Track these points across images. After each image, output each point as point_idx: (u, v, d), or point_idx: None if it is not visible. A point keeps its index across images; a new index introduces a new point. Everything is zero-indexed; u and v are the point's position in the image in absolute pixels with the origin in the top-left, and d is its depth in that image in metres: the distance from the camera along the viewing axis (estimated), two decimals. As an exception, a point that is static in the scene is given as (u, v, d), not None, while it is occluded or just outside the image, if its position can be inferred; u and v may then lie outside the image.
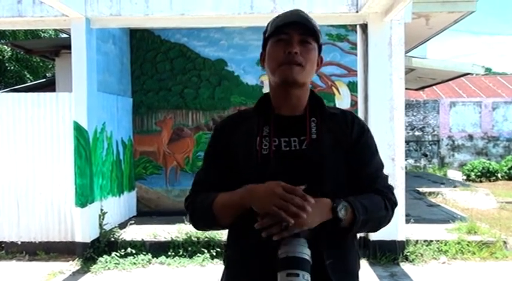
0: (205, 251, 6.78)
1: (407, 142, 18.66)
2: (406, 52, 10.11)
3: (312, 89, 1.92)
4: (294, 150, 1.79)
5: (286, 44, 1.78)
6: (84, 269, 6.49)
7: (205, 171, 1.93)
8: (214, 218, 1.76)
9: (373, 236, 6.63)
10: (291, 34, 1.78)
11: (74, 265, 6.65)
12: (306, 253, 1.53)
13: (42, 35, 20.38)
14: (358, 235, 5.72)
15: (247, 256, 1.76)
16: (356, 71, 7.03)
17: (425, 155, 20.61)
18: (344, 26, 8.63)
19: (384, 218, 1.81)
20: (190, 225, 1.93)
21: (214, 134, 1.95)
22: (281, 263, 1.53)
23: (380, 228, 1.85)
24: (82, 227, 6.83)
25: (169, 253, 6.86)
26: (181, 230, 7.04)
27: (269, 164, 1.75)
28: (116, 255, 6.74)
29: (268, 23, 1.89)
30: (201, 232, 6.91)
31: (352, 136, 1.85)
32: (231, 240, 1.89)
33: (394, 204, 1.85)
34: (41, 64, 21.33)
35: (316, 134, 1.79)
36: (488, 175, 16.67)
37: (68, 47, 7.61)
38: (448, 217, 8.40)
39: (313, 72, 1.85)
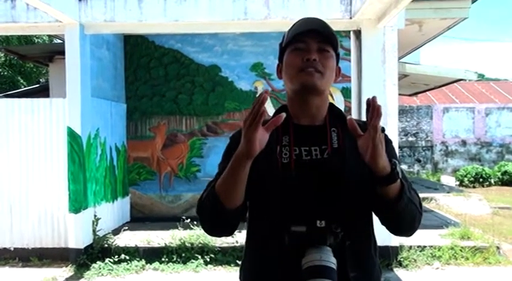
0: (199, 257, 6.77)
1: (400, 148, 18.73)
2: (400, 58, 10.15)
3: (331, 102, 1.87)
4: (315, 159, 1.75)
5: (304, 51, 1.73)
6: (78, 276, 6.46)
7: (217, 177, 1.79)
8: (220, 200, 1.65)
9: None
10: (309, 42, 1.73)
11: (67, 271, 6.62)
12: (332, 262, 1.50)
13: (36, 40, 20.34)
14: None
15: (268, 267, 1.72)
16: (349, 76, 7.05)
17: (419, 161, 20.66)
18: (338, 32, 8.62)
19: (417, 215, 1.74)
20: (207, 234, 1.84)
21: (231, 143, 1.86)
22: (307, 272, 1.50)
23: (413, 225, 1.75)
24: (75, 233, 6.80)
25: (163, 259, 6.84)
26: (175, 236, 7.03)
27: (290, 173, 1.71)
28: (109, 261, 6.71)
29: (284, 34, 1.83)
30: (195, 237, 6.91)
31: None
32: (249, 251, 1.85)
33: (421, 214, 1.77)
34: (35, 70, 21.29)
35: (338, 143, 1.77)
36: (481, 181, 16.73)
37: (61, 52, 7.61)
38: (441, 223, 8.42)
39: (332, 81, 1.79)
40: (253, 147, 1.54)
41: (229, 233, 1.78)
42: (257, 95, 1.49)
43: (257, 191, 1.72)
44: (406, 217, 1.70)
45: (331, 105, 1.86)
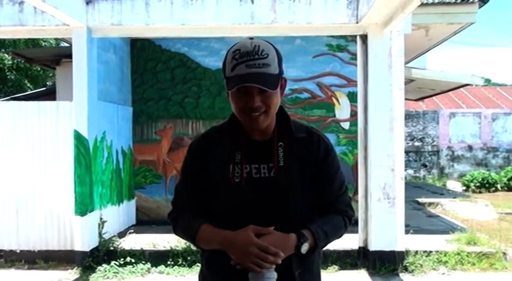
0: (205, 260, 6.76)
1: (406, 153, 18.66)
2: (406, 63, 10.15)
3: (281, 106, 1.97)
4: (263, 177, 1.91)
5: (247, 96, 1.82)
6: (83, 278, 6.48)
7: (183, 188, 2.05)
8: (197, 245, 1.96)
9: (373, 246, 6.63)
10: (249, 89, 1.80)
11: (72, 274, 6.64)
12: (273, 277, 1.76)
13: (43, 44, 20.42)
14: (358, 246, 5.71)
15: (220, 273, 1.95)
16: (356, 81, 7.05)
17: (425, 166, 20.62)
18: (344, 37, 8.66)
19: (341, 234, 2.03)
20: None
21: (190, 153, 2.05)
22: None
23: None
24: (81, 235, 6.82)
25: (169, 262, 6.85)
26: (181, 239, 7.01)
27: (241, 192, 1.89)
28: (115, 264, 6.72)
29: (226, 56, 1.90)
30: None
31: (318, 158, 1.97)
32: (204, 260, 2.08)
33: (352, 217, 2.06)
34: (41, 73, 21.36)
35: (284, 161, 1.91)
36: (487, 186, 16.69)
37: (68, 56, 7.65)
38: (447, 228, 8.39)
39: (277, 107, 1.90)
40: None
41: None
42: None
43: (214, 204, 1.94)
44: (327, 244, 1.99)
45: (280, 112, 1.97)
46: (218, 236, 1.86)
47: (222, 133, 2.01)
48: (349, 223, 2.04)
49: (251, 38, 1.92)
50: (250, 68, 1.79)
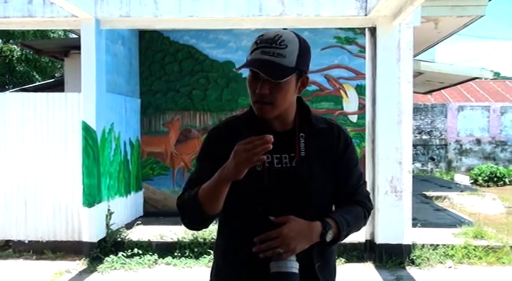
0: (212, 252, 6.79)
1: (414, 146, 18.60)
2: (415, 56, 10.10)
3: (300, 97, 1.97)
4: (285, 167, 1.91)
5: (257, 82, 1.83)
6: (91, 269, 6.52)
7: (198, 174, 1.96)
8: (200, 205, 1.82)
9: (380, 239, 6.63)
10: (258, 74, 1.80)
11: (80, 265, 6.68)
12: (295, 267, 1.73)
13: (52, 35, 20.47)
14: (364, 239, 5.72)
15: (237, 267, 1.93)
16: (364, 74, 7.03)
17: (433, 159, 20.55)
18: (352, 29, 8.63)
19: (361, 226, 2.03)
20: (186, 227, 2.00)
21: (209, 140, 2.01)
22: (273, 277, 1.72)
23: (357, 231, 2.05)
24: (89, 227, 6.86)
25: (176, 254, 6.87)
26: (188, 231, 7.05)
27: (263, 181, 1.87)
28: (122, 255, 6.76)
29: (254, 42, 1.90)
30: (207, 233, 6.93)
31: (338, 150, 1.98)
32: (219, 251, 2.05)
33: (371, 210, 2.07)
34: (50, 64, 21.42)
35: (305, 151, 1.91)
36: (495, 180, 16.61)
37: (77, 47, 7.66)
38: (454, 222, 8.38)
39: (287, 101, 1.88)
40: (242, 174, 1.69)
41: (206, 227, 1.94)
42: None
43: (232, 194, 1.83)
44: (348, 235, 1.97)
45: (300, 104, 1.98)
46: (216, 173, 1.77)
47: (243, 122, 1.99)
48: (368, 215, 2.04)
49: (284, 29, 1.91)
50: (263, 54, 1.80)
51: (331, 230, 1.82)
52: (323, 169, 1.93)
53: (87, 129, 6.84)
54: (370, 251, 6.79)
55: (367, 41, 6.95)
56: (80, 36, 7.17)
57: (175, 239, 7.03)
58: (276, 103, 1.83)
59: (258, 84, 1.81)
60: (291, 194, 1.88)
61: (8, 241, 7.32)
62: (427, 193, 12.54)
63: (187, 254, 6.85)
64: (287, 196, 1.87)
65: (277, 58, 1.78)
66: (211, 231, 6.96)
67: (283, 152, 1.91)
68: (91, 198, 6.85)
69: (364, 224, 2.04)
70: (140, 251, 6.83)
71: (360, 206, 2.01)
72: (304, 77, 1.89)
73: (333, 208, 2.02)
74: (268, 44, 1.81)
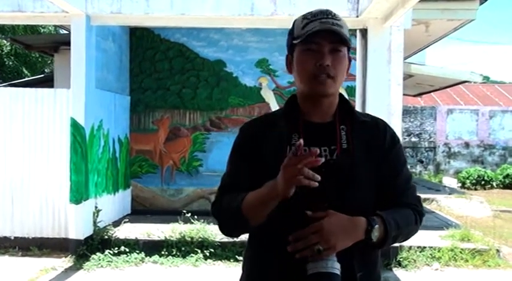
0: (199, 251, 6.78)
1: (403, 148, 18.65)
2: (405, 58, 10.13)
3: (341, 93, 1.87)
4: (324, 160, 1.68)
5: (317, 54, 1.70)
6: (77, 266, 6.48)
7: (232, 175, 1.85)
8: (245, 218, 1.69)
9: (367, 241, 6.63)
10: (322, 44, 1.69)
11: (66, 262, 6.64)
12: (337, 268, 1.52)
13: (42, 30, 20.35)
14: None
15: (268, 270, 1.75)
16: (354, 75, 7.03)
17: (421, 162, 20.63)
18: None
19: (413, 232, 1.81)
20: (224, 235, 1.88)
21: (241, 137, 1.88)
22: (312, 279, 1.52)
23: (407, 240, 1.85)
24: (76, 224, 6.81)
25: (163, 252, 6.85)
26: (175, 229, 7.04)
27: None
28: (109, 253, 6.72)
29: (295, 23, 1.78)
30: (195, 232, 6.92)
31: (384, 146, 1.81)
32: (251, 252, 1.87)
33: (423, 215, 1.83)
34: (39, 60, 21.31)
35: (347, 143, 1.75)
36: (483, 183, 16.70)
37: (67, 43, 7.61)
38: (442, 224, 8.40)
39: (343, 78, 1.78)
40: (291, 192, 1.54)
41: (248, 233, 1.84)
42: (295, 146, 1.53)
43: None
44: (398, 241, 1.77)
45: (341, 97, 1.86)
46: (264, 187, 1.63)
47: (278, 116, 1.85)
48: (420, 220, 1.81)
49: None
50: (324, 24, 1.68)
51: (378, 227, 1.62)
52: (367, 164, 1.75)
53: (75, 126, 6.80)
54: (357, 253, 6.79)
55: (357, 42, 6.95)
56: (70, 32, 7.13)
57: (163, 238, 7.01)
58: (337, 77, 1.73)
59: (318, 56, 1.69)
60: (330, 190, 1.65)
61: (-7, 237, 7.27)
62: (415, 195, 12.56)
63: (174, 252, 6.83)
64: (327, 192, 1.65)
65: (339, 28, 1.69)
66: (198, 230, 6.96)
67: (323, 144, 1.74)
68: (78, 195, 6.80)
69: (416, 231, 1.82)
70: (127, 249, 6.80)
71: (410, 209, 1.79)
72: (349, 55, 1.78)
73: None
74: (324, 15, 1.72)
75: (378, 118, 1.90)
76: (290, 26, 1.82)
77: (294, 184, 1.52)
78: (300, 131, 1.75)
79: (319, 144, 1.71)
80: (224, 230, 1.84)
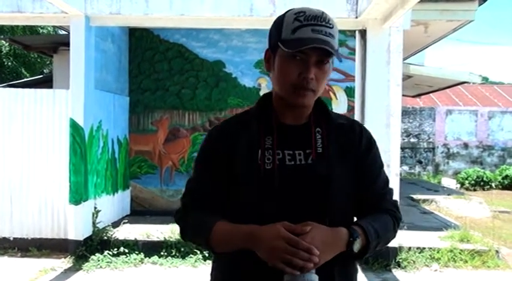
0: (198, 252, 6.77)
1: (402, 149, 18.69)
2: (404, 59, 10.14)
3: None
4: (299, 164, 1.67)
5: (302, 64, 1.60)
6: (76, 267, 6.47)
7: (198, 181, 1.78)
8: (211, 247, 1.66)
9: (366, 241, 6.63)
10: (309, 54, 1.59)
11: (65, 263, 6.63)
12: (315, 280, 1.47)
13: (41, 31, 20.34)
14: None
15: (244, 277, 1.67)
16: (354, 76, 7.04)
17: (420, 162, 20.64)
18: (343, 31, 8.63)
19: (391, 238, 1.77)
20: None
21: (209, 140, 1.78)
22: None
23: (384, 246, 1.79)
24: (75, 224, 6.81)
25: (162, 253, 6.84)
26: (175, 230, 7.02)
27: (273, 181, 1.62)
28: (108, 254, 6.72)
29: (285, 19, 1.66)
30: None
31: (360, 149, 1.75)
32: (221, 261, 1.79)
33: (400, 220, 1.79)
34: (39, 60, 21.29)
35: (322, 147, 1.68)
36: (482, 184, 16.71)
37: (66, 44, 7.62)
38: (441, 225, 8.41)
39: (324, 87, 1.70)
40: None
41: None
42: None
43: (237, 197, 1.67)
44: (377, 249, 1.71)
45: (317, 99, 1.73)
46: (239, 233, 1.57)
47: (249, 118, 1.75)
48: (397, 226, 1.77)
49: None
50: (316, 33, 1.57)
51: (359, 238, 1.57)
52: (344, 169, 1.69)
53: (74, 127, 6.80)
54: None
55: (357, 43, 6.95)
56: (69, 32, 7.13)
57: (162, 239, 7.00)
58: (319, 90, 1.65)
59: (304, 67, 1.59)
60: (307, 197, 1.63)
61: (-8, 238, 7.26)
62: (414, 196, 12.59)
63: (173, 253, 6.83)
64: (302, 198, 1.63)
65: (330, 38, 1.59)
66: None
67: (297, 148, 1.68)
68: (77, 196, 6.80)
69: (394, 236, 1.77)
70: (126, 250, 6.80)
71: (388, 214, 1.74)
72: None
73: (354, 218, 1.77)
74: (318, 21, 1.59)
75: (354, 120, 1.85)
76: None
77: (279, 265, 1.45)
78: (273, 134, 1.68)
79: (294, 147, 1.69)
80: (183, 239, 1.82)
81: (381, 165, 1.82)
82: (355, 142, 1.75)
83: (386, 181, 1.81)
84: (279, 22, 1.67)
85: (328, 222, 1.58)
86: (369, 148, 1.77)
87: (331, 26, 1.60)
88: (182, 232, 1.79)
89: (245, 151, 1.68)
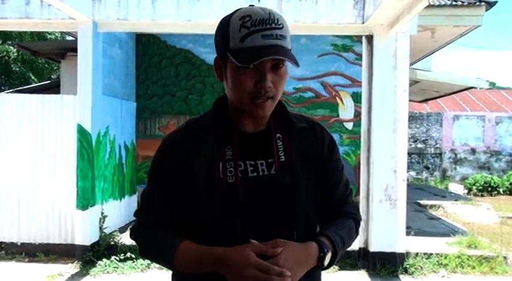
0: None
1: (409, 154, 18.64)
2: (411, 64, 10.13)
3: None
4: (262, 175, 1.59)
5: (257, 73, 1.50)
6: (83, 272, 6.48)
7: (153, 196, 1.66)
8: (174, 268, 1.61)
9: (373, 247, 6.62)
10: (263, 62, 1.48)
11: (73, 268, 6.64)
12: None
13: (48, 37, 20.45)
14: (358, 246, 5.68)
15: None
16: (360, 81, 7.04)
17: (427, 168, 20.59)
18: (349, 37, 8.65)
19: (352, 242, 1.74)
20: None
21: (164, 150, 1.65)
22: None
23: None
24: (82, 230, 6.82)
25: (169, 259, 6.83)
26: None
27: (237, 195, 1.54)
28: (115, 259, 6.72)
29: (230, 25, 1.53)
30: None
31: (323, 152, 1.69)
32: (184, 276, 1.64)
33: (360, 221, 1.78)
34: (46, 66, 21.40)
35: (285, 155, 1.60)
36: (489, 190, 16.62)
37: (74, 49, 7.65)
38: (448, 231, 8.38)
39: (282, 90, 1.61)
40: None
41: None
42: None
43: (197, 213, 1.58)
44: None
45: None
46: (206, 255, 1.48)
47: (205, 125, 1.63)
48: (358, 228, 1.75)
49: (251, 5, 1.55)
50: (267, 38, 1.46)
51: (329, 252, 1.54)
52: (307, 176, 1.62)
53: (82, 132, 6.82)
54: (364, 259, 6.77)
55: (363, 48, 6.95)
56: (76, 38, 7.16)
57: (169, 244, 6.99)
58: (277, 95, 1.56)
59: (259, 76, 1.49)
60: (273, 210, 1.56)
61: (0, 243, 7.28)
62: (422, 202, 12.54)
63: (180, 259, 6.81)
64: (268, 212, 1.56)
65: (282, 41, 1.48)
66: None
67: (259, 157, 1.60)
68: (85, 201, 6.82)
69: (354, 239, 1.74)
70: (133, 256, 6.79)
71: (351, 219, 1.72)
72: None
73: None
74: (266, 25, 1.47)
75: (314, 122, 1.76)
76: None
77: None
78: (232, 144, 1.59)
79: (255, 157, 1.61)
80: (145, 259, 1.76)
81: (342, 167, 1.76)
82: (318, 146, 1.69)
83: (347, 183, 1.77)
84: (224, 29, 1.56)
85: (296, 237, 1.55)
86: (331, 150, 1.72)
87: (280, 26, 1.49)
88: (141, 250, 1.69)
89: (204, 164, 1.58)
